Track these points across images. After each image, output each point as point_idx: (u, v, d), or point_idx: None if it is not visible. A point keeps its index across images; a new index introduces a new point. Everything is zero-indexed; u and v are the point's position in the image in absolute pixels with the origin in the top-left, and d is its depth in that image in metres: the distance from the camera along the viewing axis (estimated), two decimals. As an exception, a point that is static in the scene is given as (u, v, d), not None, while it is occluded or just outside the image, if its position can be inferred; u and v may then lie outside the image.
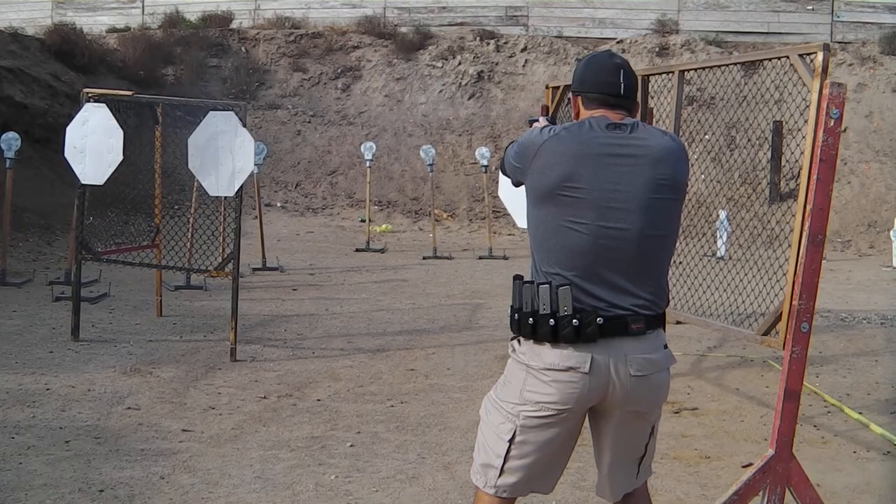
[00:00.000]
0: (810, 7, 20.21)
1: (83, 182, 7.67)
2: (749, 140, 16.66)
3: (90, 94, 7.81)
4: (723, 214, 14.13)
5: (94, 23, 20.68)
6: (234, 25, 21.17)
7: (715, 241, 13.86)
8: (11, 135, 10.90)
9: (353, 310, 9.61)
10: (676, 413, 5.99)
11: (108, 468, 4.73)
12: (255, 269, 12.12)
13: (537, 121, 3.79)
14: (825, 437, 5.54)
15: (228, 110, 7.50)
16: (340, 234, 16.31)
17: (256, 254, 12.44)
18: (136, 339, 7.88)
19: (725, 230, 13.96)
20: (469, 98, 19.91)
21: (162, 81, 19.02)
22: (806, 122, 4.58)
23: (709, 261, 7.31)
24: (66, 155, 7.64)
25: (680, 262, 6.96)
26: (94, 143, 7.54)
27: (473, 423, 3.11)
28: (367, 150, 15.13)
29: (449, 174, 18.50)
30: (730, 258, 10.82)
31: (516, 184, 3.08)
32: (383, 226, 16.91)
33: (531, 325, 2.82)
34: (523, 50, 20.54)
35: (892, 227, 14.21)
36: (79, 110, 7.71)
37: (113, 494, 4.38)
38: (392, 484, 4.63)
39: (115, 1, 21.98)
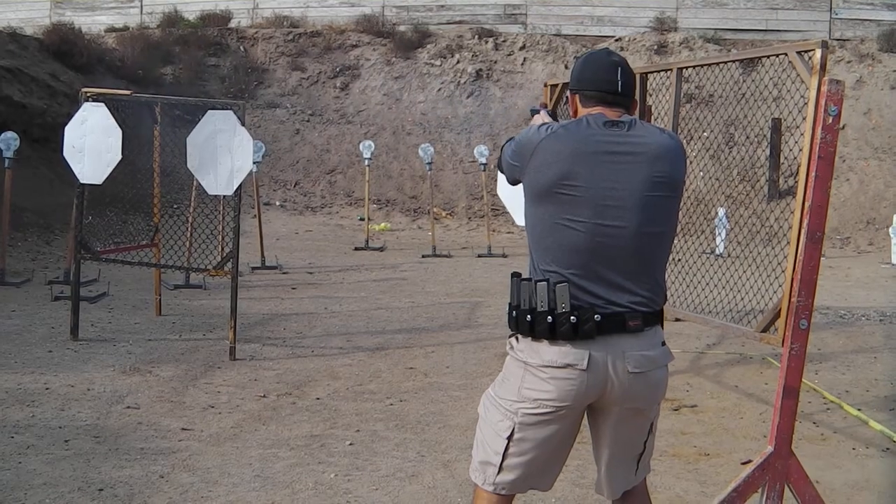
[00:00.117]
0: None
1: (82, 181, 7.66)
2: (748, 137, 16.67)
3: (89, 94, 7.81)
4: (721, 212, 14.13)
5: (93, 22, 20.68)
6: (232, 24, 21.18)
7: (714, 239, 13.88)
8: (10, 134, 10.90)
9: (352, 308, 9.61)
10: (675, 410, 6.00)
11: (107, 467, 4.73)
12: (254, 268, 12.12)
13: (538, 111, 3.79)
14: (824, 434, 5.54)
15: (227, 109, 7.50)
16: (339, 232, 16.32)
17: (255, 253, 12.44)
18: (136, 338, 7.88)
19: (724, 227, 13.96)
20: (468, 96, 19.91)
21: (160, 81, 19.02)
22: (804, 119, 4.58)
23: (707, 258, 7.32)
24: (65, 154, 7.64)
25: (679, 260, 6.97)
26: (92, 142, 7.53)
27: (473, 420, 3.11)
28: (366, 148, 15.13)
29: (448, 172, 18.50)
30: (728, 255, 10.83)
31: (513, 182, 3.08)
32: (382, 224, 16.91)
33: (529, 322, 2.82)
34: (522, 48, 20.54)
35: (891, 224, 14.20)
36: (77, 110, 7.71)
37: (112, 493, 4.38)
38: (391, 482, 4.63)
39: (113, 0, 21.98)
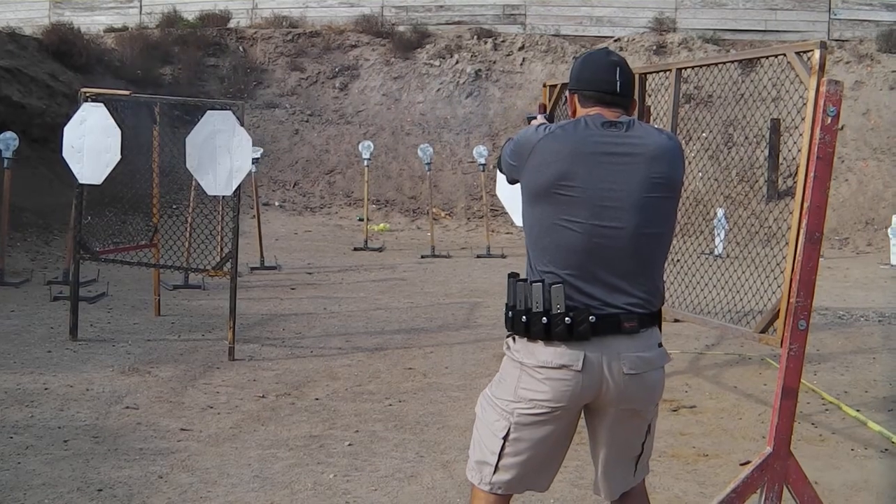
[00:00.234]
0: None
1: (81, 182, 7.66)
2: (746, 138, 16.68)
3: (88, 94, 7.81)
4: (720, 212, 14.14)
5: (92, 22, 20.67)
6: (231, 25, 21.18)
7: (713, 239, 13.88)
8: (9, 134, 10.90)
9: (351, 309, 9.61)
10: (674, 411, 6.00)
11: (106, 467, 4.73)
12: (253, 269, 12.12)
13: (535, 118, 3.79)
14: (823, 435, 5.55)
15: (226, 109, 7.50)
16: (338, 233, 16.32)
17: (254, 253, 12.44)
18: (135, 338, 7.88)
19: (723, 228, 13.96)
20: (467, 97, 19.91)
21: (160, 81, 19.01)
22: (803, 119, 4.58)
23: (706, 259, 7.31)
24: (64, 154, 7.64)
25: (678, 260, 6.97)
26: (91, 142, 7.53)
27: (472, 421, 3.11)
28: (365, 149, 15.14)
29: (447, 173, 18.50)
30: (727, 256, 10.83)
31: (511, 182, 3.08)
32: (381, 225, 16.91)
33: (524, 322, 2.82)
34: (521, 48, 20.54)
35: (890, 224, 14.21)
36: (76, 110, 7.71)
37: (111, 494, 4.38)
38: (390, 482, 4.63)
39: (112, 1, 21.98)
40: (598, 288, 2.80)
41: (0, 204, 10.72)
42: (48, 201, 13.55)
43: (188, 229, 10.56)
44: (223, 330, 7.80)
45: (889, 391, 6.61)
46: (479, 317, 9.27)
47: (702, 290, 6.46)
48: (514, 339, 2.92)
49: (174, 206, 13.82)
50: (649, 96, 6.68)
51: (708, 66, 6.59)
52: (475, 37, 20.69)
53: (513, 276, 2.93)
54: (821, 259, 3.52)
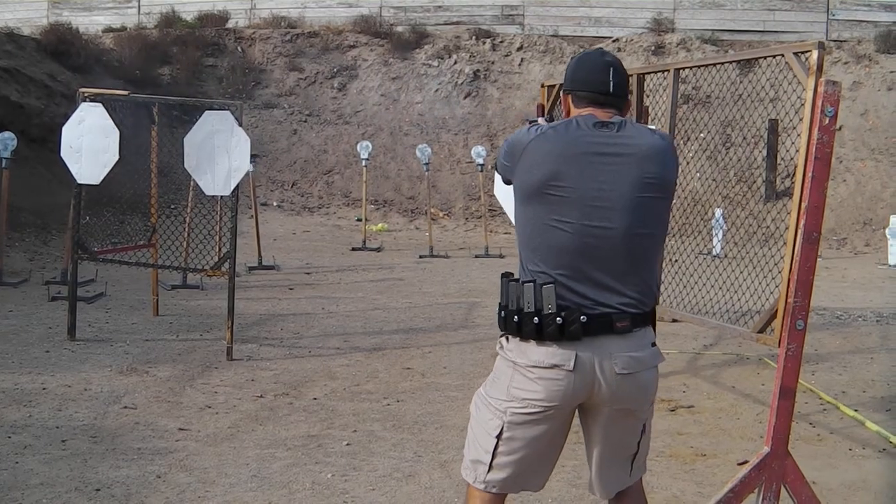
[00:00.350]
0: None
1: (79, 182, 7.66)
2: (745, 138, 16.70)
3: (86, 94, 7.81)
4: (718, 212, 14.15)
5: (91, 22, 20.68)
6: (230, 25, 21.18)
7: (710, 239, 13.89)
8: (7, 134, 10.89)
9: (349, 309, 9.61)
10: (672, 411, 6.00)
11: (104, 467, 4.73)
12: (251, 269, 12.12)
13: (536, 121, 3.79)
14: (821, 435, 5.55)
15: (224, 110, 7.50)
16: (337, 233, 16.32)
17: (253, 253, 12.45)
18: (133, 338, 7.88)
19: (721, 228, 13.97)
20: (465, 97, 19.92)
21: (158, 81, 19.01)
22: (801, 120, 4.59)
23: (704, 259, 7.32)
24: (63, 155, 7.63)
25: (675, 260, 6.98)
26: (90, 142, 7.53)
27: (468, 421, 3.12)
28: (364, 149, 15.14)
29: (445, 173, 18.51)
30: (725, 256, 10.85)
31: (506, 182, 3.08)
32: (379, 225, 16.92)
33: (516, 322, 2.83)
34: (519, 49, 20.55)
35: (888, 225, 14.22)
36: (75, 110, 7.71)
37: (109, 493, 4.38)
38: (388, 482, 4.63)
39: (111, 1, 21.98)
40: (590, 288, 2.80)
41: (-2, 204, 10.72)
42: (46, 201, 13.54)
43: (186, 229, 10.56)
44: (221, 330, 7.80)
45: (887, 391, 6.61)
46: (477, 317, 9.27)
47: (700, 290, 6.46)
48: (507, 338, 2.93)
49: (172, 207, 13.81)
50: (647, 97, 6.69)
51: (706, 66, 6.60)
52: (473, 37, 20.70)
53: (506, 276, 2.93)
54: (819, 259, 3.53)
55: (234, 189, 7.39)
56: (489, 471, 2.92)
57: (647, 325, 2.91)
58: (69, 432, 5.28)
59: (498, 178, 4.59)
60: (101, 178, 7.63)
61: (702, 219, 14.45)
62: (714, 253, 12.98)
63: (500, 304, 2.93)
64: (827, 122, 3.36)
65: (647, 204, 2.84)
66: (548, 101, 7.17)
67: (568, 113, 3.03)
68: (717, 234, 13.95)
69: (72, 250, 7.99)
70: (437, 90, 20.03)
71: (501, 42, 20.71)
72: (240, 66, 20.03)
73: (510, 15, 21.16)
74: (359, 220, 16.16)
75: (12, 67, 15.67)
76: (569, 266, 2.80)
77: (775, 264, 5.20)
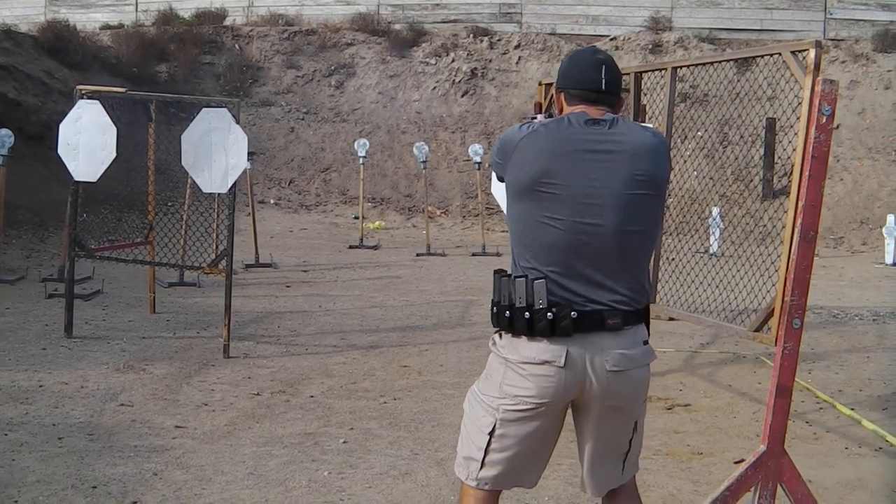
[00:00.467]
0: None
1: (77, 179, 7.65)
2: (742, 137, 16.70)
3: (83, 91, 7.80)
4: (715, 211, 14.16)
5: (88, 20, 20.65)
6: (227, 22, 21.16)
7: (708, 238, 13.89)
8: (5, 132, 10.89)
9: (346, 306, 9.61)
10: (669, 409, 6.01)
11: (101, 465, 4.72)
12: (248, 266, 12.12)
13: (528, 119, 3.79)
14: (817, 434, 5.56)
15: (222, 107, 7.50)
16: (334, 230, 16.32)
17: (250, 250, 12.44)
18: (130, 335, 7.87)
19: (718, 227, 13.98)
20: (462, 95, 19.92)
21: (155, 78, 19.00)
22: (798, 118, 4.59)
23: (701, 257, 7.33)
24: (60, 152, 7.62)
25: (672, 259, 6.99)
26: (87, 139, 7.52)
27: (465, 419, 3.12)
28: (361, 146, 15.14)
29: (442, 171, 18.51)
30: (722, 255, 10.85)
31: (500, 180, 3.09)
32: (377, 223, 16.91)
33: (508, 318, 2.84)
34: (517, 47, 20.55)
35: (885, 223, 14.23)
36: (72, 107, 7.70)
37: (106, 491, 4.37)
38: (385, 480, 4.63)
39: (108, -2, 21.96)
40: (581, 284, 2.81)
41: (-5, 201, 10.71)
42: (43, 198, 13.54)
43: (183, 227, 10.56)
44: (218, 327, 7.80)
45: (883, 390, 6.62)
46: (473, 315, 9.27)
47: (697, 288, 6.47)
48: (499, 335, 2.93)
49: (170, 204, 13.80)
50: (645, 95, 6.69)
51: (703, 65, 6.60)
52: (471, 35, 20.69)
53: (498, 273, 2.94)
54: (815, 258, 3.53)
55: (232, 186, 7.39)
56: (482, 468, 2.92)
57: (639, 322, 2.91)
58: (66, 429, 5.27)
59: (495, 175, 4.59)
60: (99, 175, 7.62)
61: (699, 217, 14.46)
62: (711, 251, 12.99)
63: (492, 300, 2.94)
64: (824, 120, 3.36)
65: (638, 201, 2.84)
66: (545, 99, 7.17)
67: (561, 111, 3.04)
68: (714, 233, 13.96)
69: (69, 247, 7.98)
70: (434, 88, 20.03)
71: (499, 40, 20.71)
72: (237, 63, 20.01)
73: (508, 13, 21.16)
74: (356, 217, 16.15)
75: (9, 64, 15.66)
76: (560, 263, 2.81)
77: (772, 263, 5.21)
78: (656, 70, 6.71)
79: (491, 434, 2.89)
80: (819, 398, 6.32)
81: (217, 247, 10.83)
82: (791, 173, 4.80)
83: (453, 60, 20.30)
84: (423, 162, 15.12)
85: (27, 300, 9.32)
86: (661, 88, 6.39)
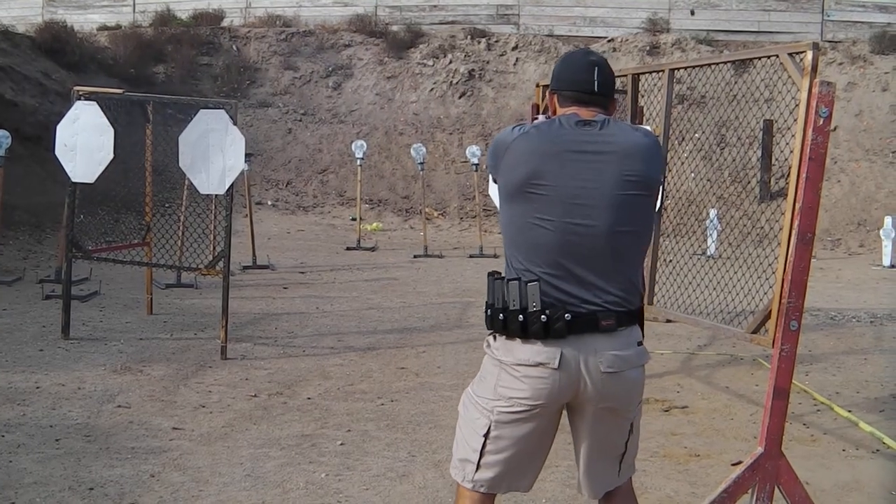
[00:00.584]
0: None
1: (74, 180, 7.65)
2: (739, 139, 16.70)
3: (81, 92, 7.79)
4: (713, 213, 14.16)
5: (85, 20, 20.62)
6: (225, 23, 21.14)
7: (705, 240, 13.90)
8: (1, 133, 10.87)
9: (343, 308, 9.61)
10: (666, 411, 6.01)
11: (98, 466, 4.72)
12: (245, 268, 12.11)
13: (537, 119, 3.80)
14: (814, 435, 5.56)
15: (219, 108, 7.50)
16: (331, 232, 16.31)
17: (247, 252, 12.43)
18: (127, 337, 7.87)
19: (715, 228, 13.99)
20: (460, 96, 19.91)
21: (153, 79, 18.99)
22: (796, 120, 4.59)
23: (699, 259, 7.33)
24: (57, 153, 7.62)
25: (670, 261, 6.98)
26: (84, 140, 7.52)
27: (463, 421, 3.12)
28: (358, 148, 15.14)
29: (440, 173, 18.51)
30: (720, 256, 10.84)
31: (495, 181, 3.09)
32: (374, 224, 16.91)
33: (502, 320, 2.84)
34: (514, 48, 20.55)
35: (882, 225, 14.25)
36: (69, 108, 7.69)
37: (103, 492, 4.37)
38: (382, 482, 4.63)
39: (106, -2, 21.95)
40: (574, 286, 2.81)
41: (-8, 202, 10.70)
42: (40, 200, 13.52)
43: (181, 228, 10.55)
44: (215, 329, 7.80)
45: (880, 392, 6.63)
46: (471, 316, 9.27)
47: (694, 290, 6.46)
48: (494, 337, 2.93)
49: (167, 205, 13.80)
50: (642, 97, 6.69)
51: (701, 66, 6.61)
52: (469, 37, 20.69)
53: (492, 275, 2.94)
54: (813, 260, 3.53)
55: (229, 188, 7.38)
56: (477, 470, 2.92)
57: (633, 323, 2.91)
58: (63, 431, 5.27)
59: (490, 177, 4.60)
60: (96, 176, 7.62)
61: (696, 219, 14.46)
62: (708, 253, 13.00)
63: (486, 302, 2.94)
64: (821, 122, 3.37)
65: (629, 201, 2.84)
66: (542, 100, 7.17)
67: (554, 112, 3.04)
68: (711, 235, 13.97)
69: (66, 249, 7.97)
70: (431, 89, 20.03)
71: (496, 42, 20.70)
72: (235, 64, 20.00)
73: (505, 14, 21.16)
74: (353, 219, 16.15)
75: (7, 65, 15.64)
76: (552, 264, 2.81)
77: (769, 265, 5.21)
78: (654, 72, 6.71)
79: (486, 436, 2.89)
80: (816, 400, 6.33)
81: (214, 248, 10.82)
82: (788, 175, 4.80)
83: (451, 62, 20.30)
84: (421, 163, 15.12)
85: (24, 301, 9.31)
86: (658, 90, 6.39)
